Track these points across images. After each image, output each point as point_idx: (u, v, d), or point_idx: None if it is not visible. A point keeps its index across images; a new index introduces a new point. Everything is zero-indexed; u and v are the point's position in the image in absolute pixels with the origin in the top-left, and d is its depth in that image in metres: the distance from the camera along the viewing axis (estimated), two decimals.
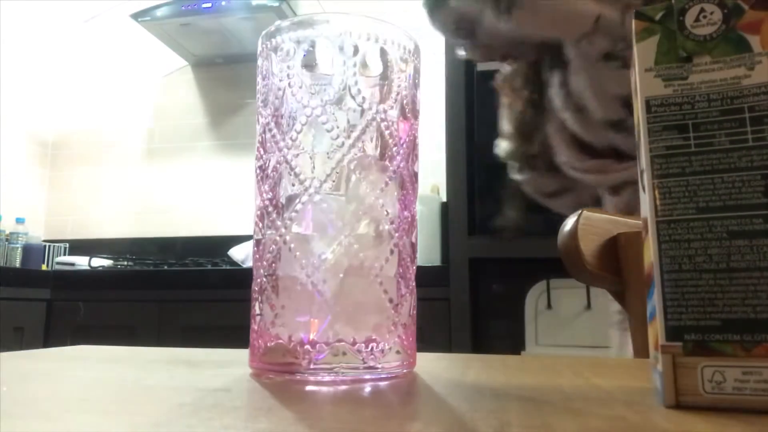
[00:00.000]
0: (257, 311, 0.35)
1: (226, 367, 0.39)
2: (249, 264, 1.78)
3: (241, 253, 2.02)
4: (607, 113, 0.78)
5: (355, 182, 0.34)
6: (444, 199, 1.86)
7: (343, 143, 0.34)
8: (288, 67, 0.35)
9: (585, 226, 0.63)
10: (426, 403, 0.27)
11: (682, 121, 0.26)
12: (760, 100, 0.25)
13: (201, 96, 2.58)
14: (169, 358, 0.43)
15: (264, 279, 0.35)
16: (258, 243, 0.36)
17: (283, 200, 0.35)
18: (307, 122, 0.34)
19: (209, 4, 2.17)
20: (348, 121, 0.35)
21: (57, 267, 2.23)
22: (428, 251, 1.79)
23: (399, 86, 0.36)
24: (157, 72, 2.62)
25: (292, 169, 0.34)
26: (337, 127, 0.34)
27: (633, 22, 0.28)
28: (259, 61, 0.38)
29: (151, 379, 0.33)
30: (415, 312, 0.37)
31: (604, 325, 1.33)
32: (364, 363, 0.33)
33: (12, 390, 0.29)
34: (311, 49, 0.35)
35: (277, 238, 0.34)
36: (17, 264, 2.29)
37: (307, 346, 0.33)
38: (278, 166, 0.35)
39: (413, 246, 0.37)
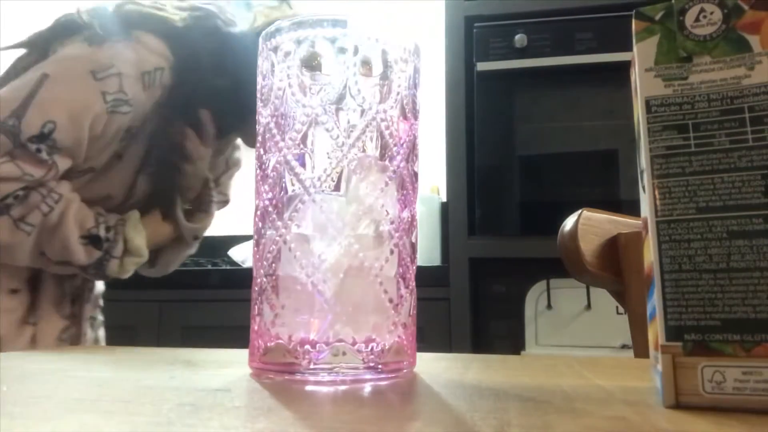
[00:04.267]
0: (257, 311, 0.35)
1: (226, 367, 0.39)
2: (249, 264, 1.78)
3: (241, 253, 2.01)
4: None
5: (355, 182, 0.34)
6: (444, 199, 1.86)
7: (343, 143, 0.34)
8: (288, 67, 0.35)
9: (585, 226, 0.63)
10: (426, 403, 0.27)
11: (682, 121, 0.26)
12: (760, 100, 0.25)
13: None
14: (169, 358, 0.43)
15: (264, 279, 0.35)
16: (258, 243, 0.36)
17: (283, 200, 0.35)
18: (307, 122, 0.34)
19: None
20: (348, 121, 0.35)
21: None
22: (428, 251, 1.79)
23: (399, 86, 0.36)
24: None
25: (292, 169, 0.35)
26: (337, 127, 0.34)
27: (633, 22, 0.28)
28: (259, 61, 0.38)
29: (151, 379, 0.33)
30: (415, 312, 0.37)
31: (604, 325, 1.33)
32: (364, 363, 0.33)
33: (12, 390, 0.29)
34: (311, 49, 0.35)
35: (277, 238, 0.34)
36: None
37: (307, 346, 0.33)
38: (278, 166, 0.35)
39: (413, 246, 0.37)
